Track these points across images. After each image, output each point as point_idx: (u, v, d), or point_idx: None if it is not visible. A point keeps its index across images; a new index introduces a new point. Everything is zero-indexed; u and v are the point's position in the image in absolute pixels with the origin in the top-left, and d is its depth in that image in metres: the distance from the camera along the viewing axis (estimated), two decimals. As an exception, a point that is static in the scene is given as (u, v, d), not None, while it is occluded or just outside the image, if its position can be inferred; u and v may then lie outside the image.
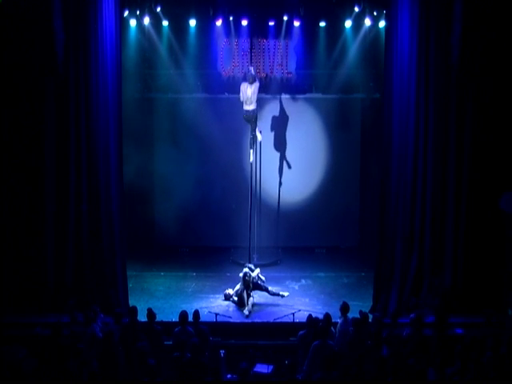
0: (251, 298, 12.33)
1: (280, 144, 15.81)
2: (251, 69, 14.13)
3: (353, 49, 14.80)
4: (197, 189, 15.63)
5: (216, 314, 11.69)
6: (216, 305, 12.48)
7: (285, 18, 14.02)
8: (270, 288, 12.66)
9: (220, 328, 11.34)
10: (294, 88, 15.64)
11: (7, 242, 11.93)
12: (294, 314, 11.72)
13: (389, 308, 11.99)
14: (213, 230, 15.94)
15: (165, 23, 14.12)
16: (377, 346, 9.44)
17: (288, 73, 15.46)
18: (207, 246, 15.91)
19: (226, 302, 12.64)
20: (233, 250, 15.49)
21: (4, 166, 11.88)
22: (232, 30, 14.53)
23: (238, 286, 12.61)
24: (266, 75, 15.38)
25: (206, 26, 14.41)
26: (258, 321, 11.86)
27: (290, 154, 15.82)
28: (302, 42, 15.00)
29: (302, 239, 16.11)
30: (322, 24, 14.48)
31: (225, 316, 11.85)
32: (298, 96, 15.76)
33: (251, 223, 14.51)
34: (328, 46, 14.99)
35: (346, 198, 16.06)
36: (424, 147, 11.96)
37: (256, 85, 13.89)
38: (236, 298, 12.53)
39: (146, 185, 15.53)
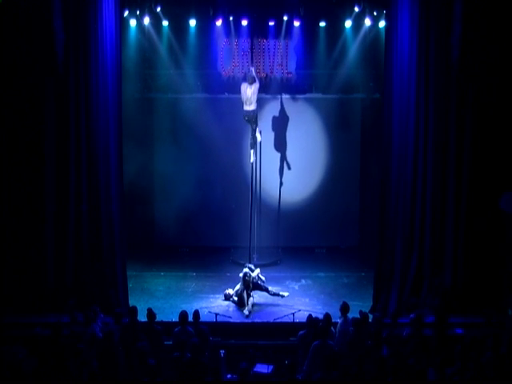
0: (251, 298, 12.34)
1: (280, 144, 15.81)
2: (251, 70, 14.13)
3: (353, 49, 14.79)
4: (197, 189, 15.63)
5: (216, 314, 11.69)
6: (216, 305, 12.48)
7: (285, 17, 14.01)
8: (269, 288, 12.67)
9: (220, 328, 11.35)
10: (294, 88, 15.63)
11: (7, 242, 11.93)
12: (294, 314, 11.72)
13: (389, 308, 11.99)
14: (213, 230, 15.93)
15: (165, 23, 14.11)
16: (377, 346, 9.44)
17: (288, 73, 15.46)
18: (207, 246, 15.90)
19: (226, 302, 12.64)
20: (233, 250, 15.49)
21: (4, 165, 11.88)
22: (232, 29, 14.53)
23: (238, 286, 12.62)
24: (266, 75, 15.37)
25: (206, 26, 14.40)
26: (258, 321, 11.86)
27: (290, 154, 15.82)
28: (302, 41, 14.99)
29: (302, 239, 16.11)
30: (322, 24, 14.48)
31: (225, 316, 11.85)
32: (297, 96, 15.76)
33: (251, 223, 14.51)
34: (328, 46, 14.98)
35: (345, 197, 16.06)
36: (424, 147, 11.96)
37: (256, 85, 13.90)
38: (236, 298, 12.53)
39: (146, 185, 15.54)
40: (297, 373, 9.08)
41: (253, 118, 14.15)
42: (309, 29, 14.64)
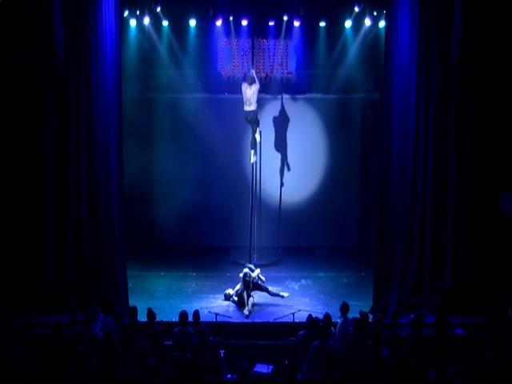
0: (251, 298, 12.33)
1: (280, 144, 15.80)
2: (252, 72, 14.09)
3: (353, 49, 14.80)
4: (197, 189, 15.62)
5: (216, 314, 11.69)
6: (216, 305, 12.48)
7: (285, 18, 14.02)
8: (270, 288, 12.67)
9: (220, 328, 11.35)
10: (294, 88, 15.63)
11: (7, 242, 11.93)
12: (294, 314, 11.72)
13: (389, 308, 11.99)
14: (213, 230, 15.93)
15: (165, 23, 14.12)
16: (377, 346, 9.43)
17: (288, 73, 15.46)
18: (207, 246, 15.90)
19: (226, 302, 12.64)
20: (233, 250, 15.49)
21: (4, 165, 11.88)
22: (232, 30, 14.53)
23: (238, 286, 12.62)
24: (266, 75, 15.38)
25: (205, 26, 14.41)
26: (258, 321, 11.86)
27: (290, 154, 15.82)
28: (302, 41, 15.00)
29: (302, 239, 16.11)
30: (322, 24, 14.49)
31: (225, 316, 11.85)
32: (297, 96, 15.76)
33: (251, 223, 14.51)
34: (328, 46, 14.99)
35: (345, 198, 16.06)
36: (424, 147, 11.96)
37: (256, 86, 13.89)
38: (236, 298, 12.53)
39: (146, 185, 15.55)
40: (297, 373, 9.08)
41: (253, 119, 14.15)
42: (309, 29, 14.65)
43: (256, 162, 14.69)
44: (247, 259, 14.05)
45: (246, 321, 11.87)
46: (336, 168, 16.01)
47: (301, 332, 9.97)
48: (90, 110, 11.78)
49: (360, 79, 15.38)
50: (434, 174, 11.99)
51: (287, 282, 13.80)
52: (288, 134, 15.78)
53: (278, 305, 12.44)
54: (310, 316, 10.20)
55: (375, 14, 13.16)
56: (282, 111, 15.75)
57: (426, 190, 12.04)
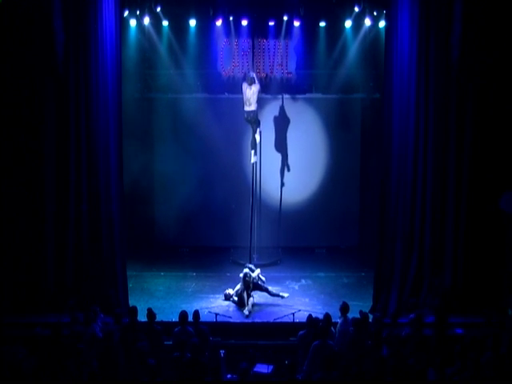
0: (251, 298, 12.33)
1: (280, 144, 15.80)
2: (251, 73, 14.07)
3: (353, 49, 14.80)
4: (197, 189, 15.62)
5: (216, 314, 11.69)
6: (216, 305, 12.48)
7: (285, 18, 14.03)
8: (270, 288, 12.67)
9: (220, 328, 11.35)
10: (294, 88, 15.63)
11: (7, 242, 11.93)
12: (294, 314, 11.72)
13: (389, 308, 11.99)
14: (213, 230, 15.93)
15: (165, 23, 14.13)
16: (377, 346, 9.43)
17: (288, 73, 15.47)
18: (207, 246, 15.90)
19: (226, 302, 12.64)
20: (233, 250, 15.49)
21: (4, 165, 11.88)
22: (232, 30, 14.54)
23: (238, 286, 12.62)
24: (266, 75, 15.38)
25: (205, 26, 14.42)
26: (258, 321, 11.86)
27: (290, 154, 15.82)
28: (302, 41, 15.00)
29: (302, 239, 16.11)
30: (322, 24, 14.49)
31: (225, 316, 11.85)
32: (297, 96, 15.76)
33: (251, 223, 14.50)
34: (328, 46, 14.99)
35: (345, 198, 16.06)
36: (424, 147, 11.96)
37: (256, 87, 13.87)
38: (236, 298, 12.53)
39: (146, 185, 15.56)
40: (297, 373, 9.08)
41: (253, 119, 14.15)
42: (309, 29, 14.65)
43: (256, 162, 14.69)
44: (247, 259, 14.05)
45: (246, 321, 11.86)
46: (336, 168, 16.01)
47: (301, 332, 9.97)
48: (89, 110, 11.78)
49: (360, 79, 15.38)
50: (434, 174, 11.99)
51: (287, 282, 13.80)
52: (288, 134, 15.78)
53: (278, 305, 12.44)
54: (310, 316, 10.19)
55: (375, 14, 13.16)
56: (282, 111, 15.75)
57: (426, 190, 12.03)
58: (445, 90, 11.84)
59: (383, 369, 8.71)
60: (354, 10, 13.14)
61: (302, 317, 11.39)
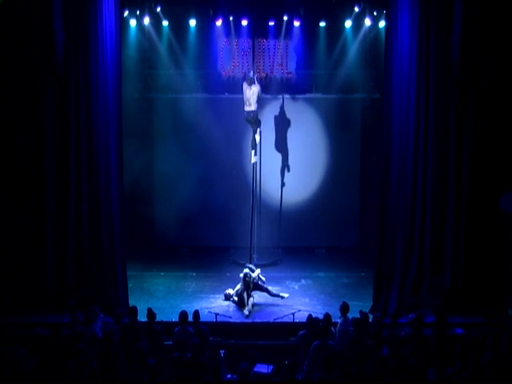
0: (251, 298, 12.33)
1: (280, 144, 15.80)
2: (251, 73, 14.06)
3: (353, 49, 14.82)
4: (197, 189, 15.61)
5: (216, 314, 11.70)
6: (216, 305, 12.48)
7: (285, 18, 14.04)
8: (270, 288, 12.67)
9: (220, 328, 11.34)
10: (294, 88, 15.64)
11: (7, 242, 11.93)
12: (294, 314, 11.73)
13: (389, 308, 11.99)
14: (213, 230, 15.94)
15: (165, 23, 14.14)
16: (377, 346, 9.43)
17: (288, 73, 15.47)
18: (207, 246, 15.90)
19: (226, 302, 12.64)
20: (233, 250, 15.49)
21: (4, 165, 11.88)
22: (232, 30, 14.55)
23: (238, 286, 12.61)
24: (266, 75, 15.39)
25: (205, 26, 14.43)
26: (258, 321, 11.86)
27: (290, 154, 15.82)
28: (302, 41, 15.01)
29: (302, 239, 16.11)
30: (322, 24, 14.50)
31: (225, 316, 11.85)
32: (297, 96, 15.76)
33: (252, 223, 14.50)
34: (328, 46, 15.01)
35: (345, 198, 16.06)
36: (424, 147, 11.96)
37: (256, 87, 13.85)
38: (236, 298, 12.53)
39: (146, 185, 15.56)
40: (297, 373, 9.08)
41: (253, 119, 14.15)
42: (309, 29, 14.66)
43: (256, 162, 14.69)
44: (247, 259, 14.04)
45: (246, 321, 11.86)
46: (336, 168, 16.02)
47: (301, 332, 9.97)
48: (89, 110, 11.78)
49: (360, 79, 15.39)
50: (434, 174, 11.99)
51: (287, 282, 13.80)
52: (288, 134, 15.78)
53: (278, 305, 12.44)
54: (310, 316, 10.20)
55: (375, 14, 13.17)
56: (282, 111, 15.75)
57: (426, 190, 12.03)
58: (445, 89, 11.84)
59: (383, 369, 8.71)
60: (354, 9, 13.15)
61: (302, 317, 11.39)
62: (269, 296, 12.58)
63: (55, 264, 12.02)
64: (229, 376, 9.27)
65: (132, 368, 9.07)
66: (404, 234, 12.09)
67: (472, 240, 12.05)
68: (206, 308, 12.11)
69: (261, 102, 14.41)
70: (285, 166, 15.87)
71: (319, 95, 15.72)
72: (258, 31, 14.66)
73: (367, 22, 13.24)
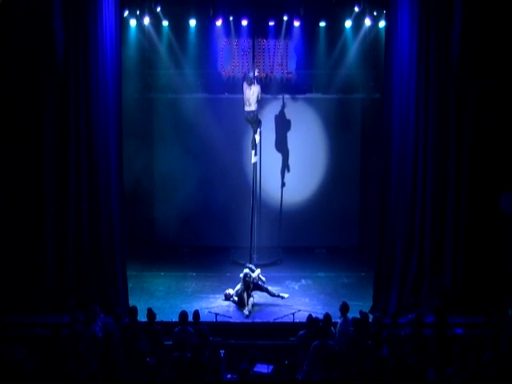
0: (251, 298, 12.33)
1: (280, 144, 15.81)
2: (251, 73, 14.05)
3: (353, 49, 14.83)
4: (197, 189, 15.62)
5: (216, 314, 11.69)
6: (216, 305, 12.48)
7: (285, 18, 14.04)
8: (270, 288, 12.66)
9: (220, 328, 11.35)
10: (294, 88, 15.64)
11: (7, 242, 11.93)
12: (294, 314, 11.72)
13: (389, 308, 11.99)
14: (213, 230, 15.94)
15: (165, 23, 14.14)
16: (377, 346, 9.43)
17: (288, 73, 15.48)
18: (207, 246, 15.90)
19: (226, 302, 12.63)
20: (233, 250, 15.49)
21: (4, 165, 11.88)
22: (232, 30, 14.55)
23: (238, 286, 12.61)
24: (266, 75, 15.39)
25: (205, 26, 14.43)
26: (258, 321, 11.86)
27: (290, 154, 15.82)
28: (302, 42, 15.02)
29: (302, 239, 16.11)
30: (322, 24, 14.50)
31: (225, 316, 11.85)
32: (297, 96, 15.76)
33: (252, 223, 14.50)
34: (328, 46, 15.01)
35: (346, 197, 16.06)
36: (424, 147, 11.96)
37: (256, 87, 13.84)
38: (236, 298, 12.53)
39: (146, 185, 15.56)
40: (297, 373, 9.08)
41: (253, 119, 14.15)
42: (309, 29, 14.67)
43: (256, 162, 14.68)
44: (247, 259, 14.04)
45: (246, 321, 11.86)
46: (336, 168, 16.02)
47: (301, 332, 9.97)
48: (90, 110, 11.78)
49: (360, 79, 15.39)
50: (434, 174, 11.99)
51: (287, 282, 13.80)
52: (288, 134, 15.79)
53: (278, 305, 12.44)
54: (310, 316, 10.19)
55: (375, 14, 13.18)
56: (282, 111, 15.75)
57: (426, 190, 12.03)
58: (445, 89, 11.84)
59: (383, 369, 8.70)
60: (354, 9, 13.14)
61: (302, 317, 11.39)
62: (269, 296, 12.58)
63: (55, 264, 12.02)
64: (229, 376, 9.27)
65: (132, 368, 9.06)
66: (404, 234, 12.09)
67: (472, 240, 12.05)
68: (206, 308, 12.10)
69: (261, 101, 14.39)
70: (285, 166, 15.87)
71: (319, 95, 15.73)
72: (257, 31, 14.65)
73: (367, 21, 13.24)
